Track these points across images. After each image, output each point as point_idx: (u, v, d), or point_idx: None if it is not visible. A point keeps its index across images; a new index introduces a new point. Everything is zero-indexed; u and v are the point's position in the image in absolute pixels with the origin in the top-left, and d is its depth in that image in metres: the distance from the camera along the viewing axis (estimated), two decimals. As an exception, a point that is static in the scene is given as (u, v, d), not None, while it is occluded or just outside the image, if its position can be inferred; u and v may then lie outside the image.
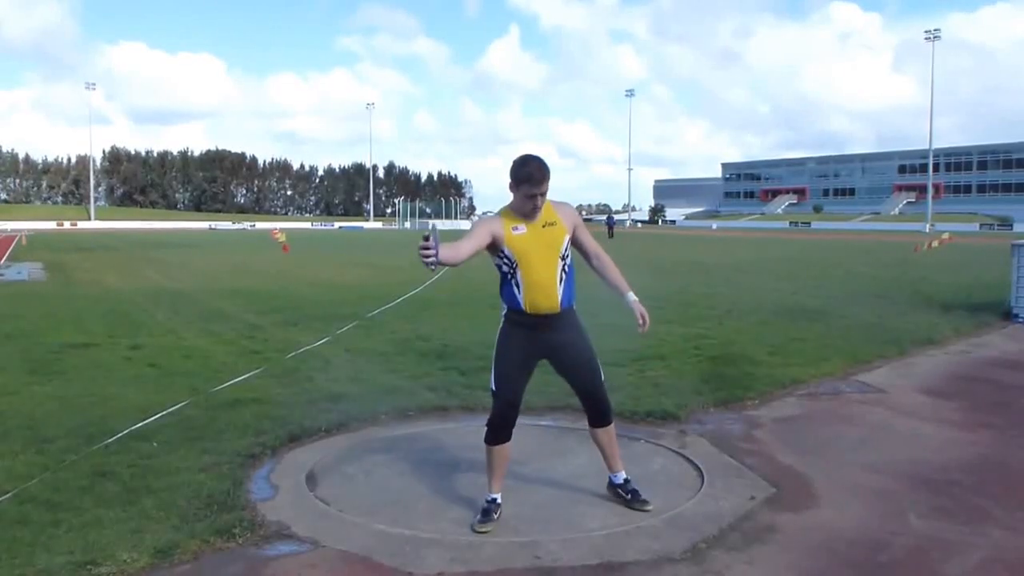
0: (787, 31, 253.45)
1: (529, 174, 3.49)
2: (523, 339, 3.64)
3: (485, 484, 3.79)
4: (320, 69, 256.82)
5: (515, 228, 3.58)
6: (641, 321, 3.71)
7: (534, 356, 3.69)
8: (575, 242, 3.73)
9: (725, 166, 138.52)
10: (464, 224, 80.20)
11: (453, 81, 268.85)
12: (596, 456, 3.98)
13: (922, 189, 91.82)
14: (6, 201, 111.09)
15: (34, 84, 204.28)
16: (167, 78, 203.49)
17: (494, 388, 3.70)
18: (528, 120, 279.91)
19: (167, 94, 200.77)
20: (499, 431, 3.68)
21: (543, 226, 3.58)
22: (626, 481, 3.89)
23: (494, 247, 3.58)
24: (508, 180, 3.56)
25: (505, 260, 3.59)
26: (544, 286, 3.58)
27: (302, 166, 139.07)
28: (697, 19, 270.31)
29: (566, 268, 3.64)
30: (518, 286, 3.60)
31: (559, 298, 3.60)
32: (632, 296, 3.74)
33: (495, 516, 3.64)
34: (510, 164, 3.57)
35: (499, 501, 3.71)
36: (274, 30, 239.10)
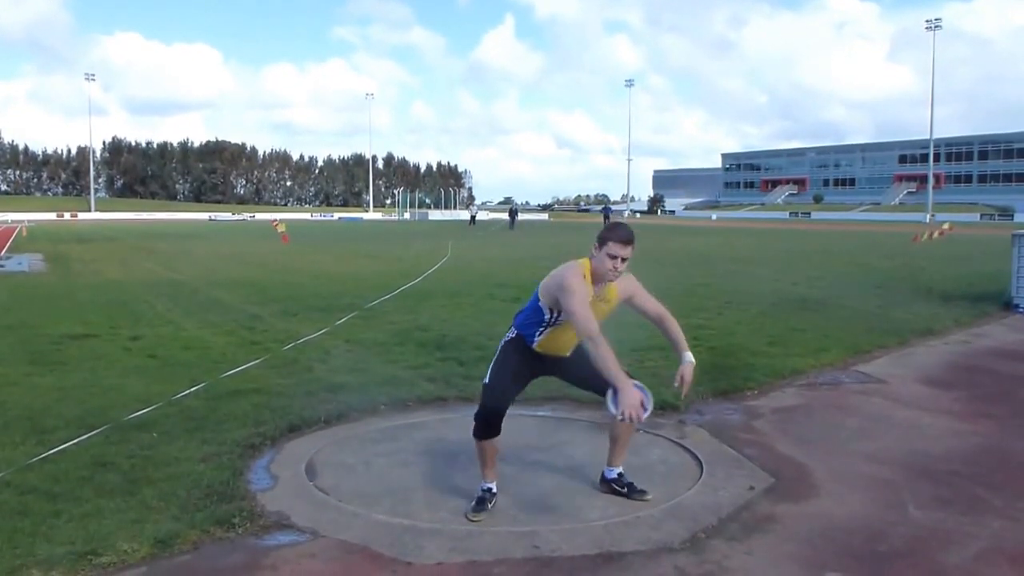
0: (782, 20, 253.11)
1: (618, 230, 3.49)
2: (530, 356, 3.76)
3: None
4: (316, 59, 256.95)
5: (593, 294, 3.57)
6: (678, 382, 3.61)
7: (537, 372, 3.84)
8: (637, 308, 3.72)
9: (725, 156, 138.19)
10: (463, 214, 79.40)
11: (449, 71, 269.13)
12: (595, 446, 3.99)
13: (923, 179, 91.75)
14: (6, 192, 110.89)
15: (31, 76, 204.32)
16: (164, 69, 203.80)
17: (487, 402, 3.66)
18: (525, 111, 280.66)
19: (164, 85, 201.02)
20: (490, 430, 3.67)
21: (601, 300, 3.56)
22: (620, 475, 3.90)
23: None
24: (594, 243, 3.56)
25: (560, 315, 3.57)
26: (567, 341, 3.70)
27: (301, 157, 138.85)
28: (690, 8, 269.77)
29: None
30: (542, 332, 3.67)
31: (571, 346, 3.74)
32: (689, 356, 3.62)
33: (489, 505, 3.66)
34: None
35: (495, 490, 3.73)
36: (269, 20, 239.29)
